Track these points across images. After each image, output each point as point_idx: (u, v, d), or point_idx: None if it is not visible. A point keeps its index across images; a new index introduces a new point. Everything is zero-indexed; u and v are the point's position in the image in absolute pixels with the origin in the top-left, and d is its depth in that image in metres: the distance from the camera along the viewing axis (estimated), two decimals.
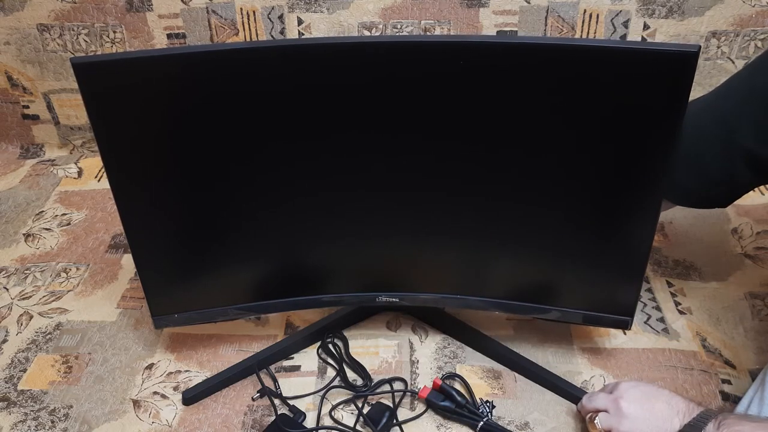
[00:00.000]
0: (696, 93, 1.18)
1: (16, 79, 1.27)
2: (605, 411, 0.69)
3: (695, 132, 0.74)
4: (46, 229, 1.13)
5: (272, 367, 0.84)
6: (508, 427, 0.75)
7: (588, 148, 0.67)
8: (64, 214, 1.16)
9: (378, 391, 0.81)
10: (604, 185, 0.69)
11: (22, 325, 0.93)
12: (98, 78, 0.64)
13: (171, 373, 0.85)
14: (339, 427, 0.77)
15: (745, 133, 0.70)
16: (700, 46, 0.59)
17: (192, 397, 0.80)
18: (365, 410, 0.78)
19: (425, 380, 0.82)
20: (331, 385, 0.82)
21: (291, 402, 0.80)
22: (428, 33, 1.18)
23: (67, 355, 0.87)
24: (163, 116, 0.68)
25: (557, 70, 0.63)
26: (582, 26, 1.17)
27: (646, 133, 0.64)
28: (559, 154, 0.68)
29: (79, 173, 1.28)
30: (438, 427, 0.77)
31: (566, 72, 0.63)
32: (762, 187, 1.16)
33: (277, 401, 0.79)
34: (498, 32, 1.17)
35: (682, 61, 0.59)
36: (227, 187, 0.73)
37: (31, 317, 0.94)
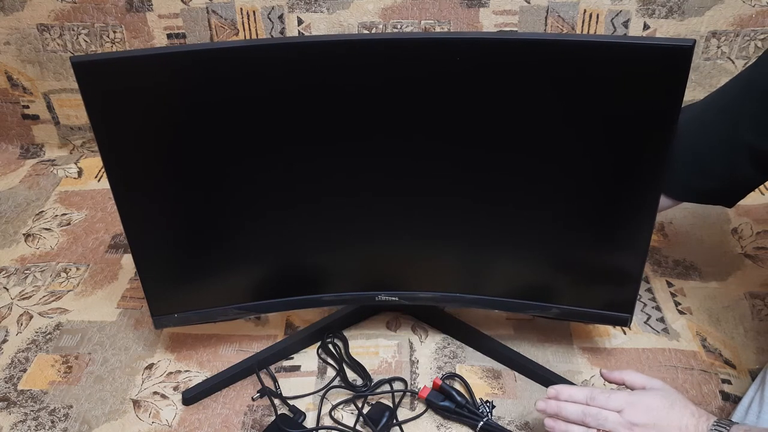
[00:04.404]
0: (696, 93, 1.20)
1: (16, 79, 1.27)
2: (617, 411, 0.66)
3: (698, 128, 0.74)
4: (46, 229, 1.13)
5: (272, 367, 0.84)
6: (508, 427, 0.75)
7: (584, 145, 0.67)
8: (64, 214, 1.16)
9: (378, 391, 0.81)
10: (601, 181, 0.70)
11: (22, 325, 0.93)
12: (98, 77, 0.64)
13: (171, 373, 0.85)
14: (339, 427, 0.77)
15: (746, 128, 0.71)
16: (695, 41, 0.59)
17: (192, 397, 0.80)
18: (365, 410, 0.78)
19: (425, 380, 0.82)
20: (331, 385, 0.82)
21: (291, 402, 0.79)
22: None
23: (67, 355, 0.87)
24: (163, 116, 0.68)
25: (555, 66, 0.63)
26: (582, 26, 1.17)
27: (643, 129, 0.64)
28: (556, 151, 0.68)
29: (79, 173, 1.28)
30: (438, 427, 0.77)
31: (563, 68, 0.63)
32: (762, 187, 1.16)
33: (277, 401, 0.79)
34: (498, 32, 1.17)
35: (677, 56, 0.59)
36: (228, 187, 0.73)
37: (31, 317, 0.94)
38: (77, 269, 1.03)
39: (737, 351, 0.85)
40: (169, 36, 1.20)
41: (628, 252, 0.73)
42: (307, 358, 0.86)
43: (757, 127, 0.70)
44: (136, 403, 0.81)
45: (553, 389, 0.68)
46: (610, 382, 0.71)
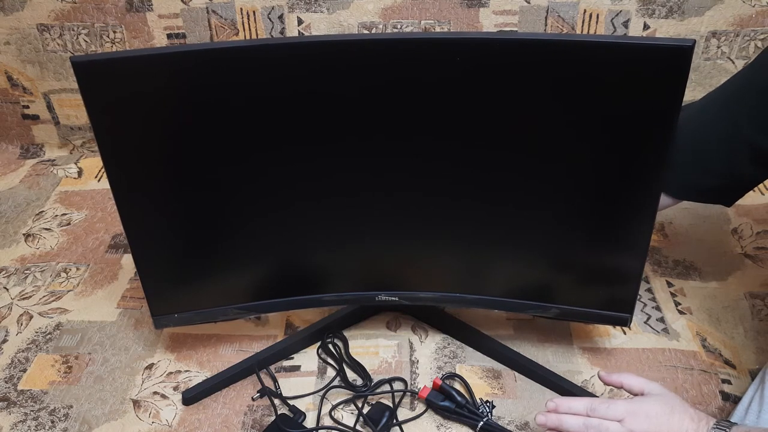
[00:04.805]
0: (696, 93, 1.19)
1: (16, 79, 1.27)
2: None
3: (698, 126, 0.74)
4: (46, 229, 1.13)
5: (272, 367, 0.84)
6: (508, 427, 0.75)
7: (585, 145, 0.67)
8: (64, 214, 1.16)
9: (378, 391, 0.81)
10: (601, 181, 0.70)
11: (22, 325, 0.92)
12: (98, 77, 0.64)
13: (171, 373, 0.85)
14: (339, 427, 0.77)
15: (746, 126, 0.71)
16: (694, 41, 0.59)
17: (192, 397, 0.80)
18: (365, 410, 0.78)
19: (425, 380, 0.82)
20: (331, 385, 0.82)
21: (291, 402, 0.79)
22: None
23: (67, 355, 0.87)
24: (163, 116, 0.68)
25: (555, 67, 0.63)
26: (582, 26, 1.17)
27: (643, 129, 0.64)
28: (556, 151, 0.68)
29: (79, 173, 1.28)
30: (438, 427, 0.77)
31: (563, 68, 0.63)
32: (762, 187, 1.16)
33: (277, 401, 0.79)
34: (498, 32, 1.17)
35: (677, 56, 0.60)
36: (227, 188, 0.73)
37: (31, 317, 0.94)
38: (77, 269, 1.03)
39: (737, 351, 0.85)
40: (169, 36, 1.20)
41: (628, 252, 0.73)
42: (307, 358, 0.86)
43: (758, 124, 0.70)
44: (136, 403, 0.81)
45: (552, 402, 0.67)
46: (608, 385, 0.71)
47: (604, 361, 0.84)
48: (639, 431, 0.62)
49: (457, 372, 0.83)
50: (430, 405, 0.78)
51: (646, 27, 1.16)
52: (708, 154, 0.75)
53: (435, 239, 0.77)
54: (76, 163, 1.31)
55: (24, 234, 1.11)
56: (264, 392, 0.80)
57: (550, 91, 0.64)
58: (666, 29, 1.16)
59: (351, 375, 0.83)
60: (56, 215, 1.16)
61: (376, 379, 0.82)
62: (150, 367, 0.85)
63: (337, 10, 1.17)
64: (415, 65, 0.64)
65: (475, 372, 0.83)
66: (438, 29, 1.18)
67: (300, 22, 1.19)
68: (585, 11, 1.15)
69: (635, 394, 0.68)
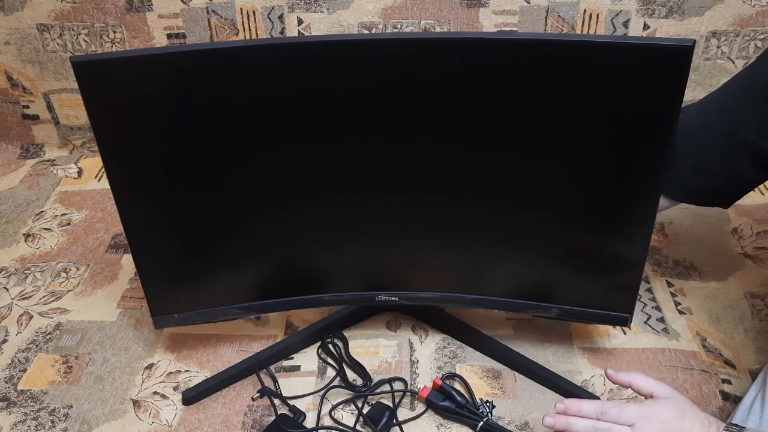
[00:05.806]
0: (696, 93, 1.20)
1: (16, 79, 1.27)
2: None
3: (699, 127, 0.74)
4: (46, 229, 1.13)
5: (272, 367, 0.84)
6: (508, 427, 0.75)
7: (584, 145, 0.67)
8: (64, 214, 1.16)
9: (378, 391, 0.81)
10: (601, 181, 0.70)
11: (22, 325, 0.92)
12: (98, 77, 0.64)
13: (171, 373, 0.85)
14: (339, 427, 0.77)
15: (747, 127, 0.70)
16: (694, 41, 0.59)
17: (192, 397, 0.80)
18: (365, 410, 0.78)
19: (425, 380, 0.82)
20: (331, 385, 0.82)
21: (291, 402, 0.79)
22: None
23: (67, 355, 0.87)
24: (163, 116, 0.68)
25: (555, 67, 0.63)
26: (582, 26, 1.17)
27: (643, 129, 0.64)
28: (556, 151, 0.68)
29: (79, 173, 1.28)
30: (438, 427, 0.77)
31: (563, 68, 0.63)
32: (762, 187, 1.16)
33: (277, 401, 0.79)
34: (498, 32, 1.17)
35: (677, 56, 0.59)
36: (227, 188, 0.73)
37: (31, 317, 0.94)
38: (77, 269, 1.03)
39: (737, 351, 0.85)
40: (169, 36, 1.20)
41: (628, 252, 0.73)
42: (307, 358, 0.86)
43: (759, 126, 0.70)
44: (136, 403, 0.81)
45: (562, 404, 0.66)
46: (616, 384, 0.70)
47: (604, 361, 0.84)
48: None
49: (457, 372, 0.83)
50: (430, 405, 0.78)
51: (646, 27, 1.16)
52: (708, 155, 0.75)
53: (435, 239, 0.77)
54: (76, 163, 1.31)
55: (24, 234, 1.11)
56: (264, 392, 0.80)
57: (550, 91, 0.64)
58: (666, 29, 1.16)
59: (351, 375, 0.83)
60: (56, 215, 1.16)
61: (376, 379, 0.82)
62: (150, 367, 0.86)
63: (337, 10, 1.17)
64: (414, 65, 0.64)
65: (475, 372, 0.83)
66: (438, 29, 1.18)
67: (300, 22, 1.19)
68: (585, 11, 1.15)
69: (643, 395, 0.67)
